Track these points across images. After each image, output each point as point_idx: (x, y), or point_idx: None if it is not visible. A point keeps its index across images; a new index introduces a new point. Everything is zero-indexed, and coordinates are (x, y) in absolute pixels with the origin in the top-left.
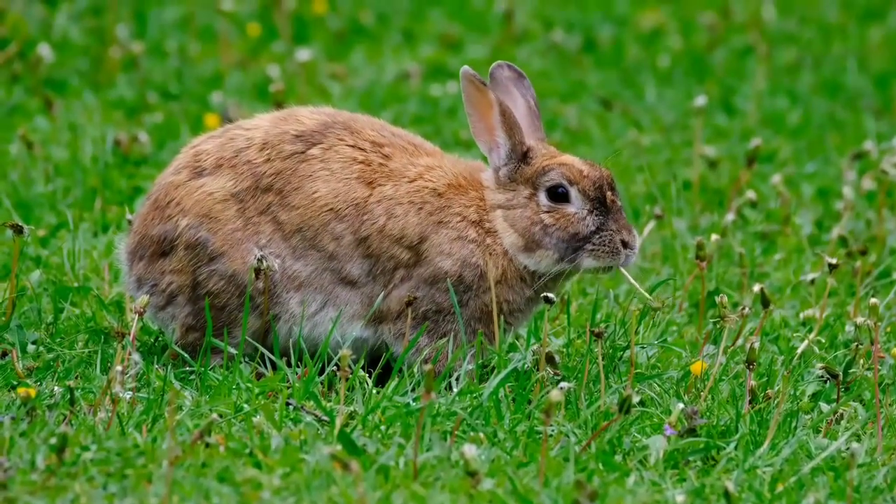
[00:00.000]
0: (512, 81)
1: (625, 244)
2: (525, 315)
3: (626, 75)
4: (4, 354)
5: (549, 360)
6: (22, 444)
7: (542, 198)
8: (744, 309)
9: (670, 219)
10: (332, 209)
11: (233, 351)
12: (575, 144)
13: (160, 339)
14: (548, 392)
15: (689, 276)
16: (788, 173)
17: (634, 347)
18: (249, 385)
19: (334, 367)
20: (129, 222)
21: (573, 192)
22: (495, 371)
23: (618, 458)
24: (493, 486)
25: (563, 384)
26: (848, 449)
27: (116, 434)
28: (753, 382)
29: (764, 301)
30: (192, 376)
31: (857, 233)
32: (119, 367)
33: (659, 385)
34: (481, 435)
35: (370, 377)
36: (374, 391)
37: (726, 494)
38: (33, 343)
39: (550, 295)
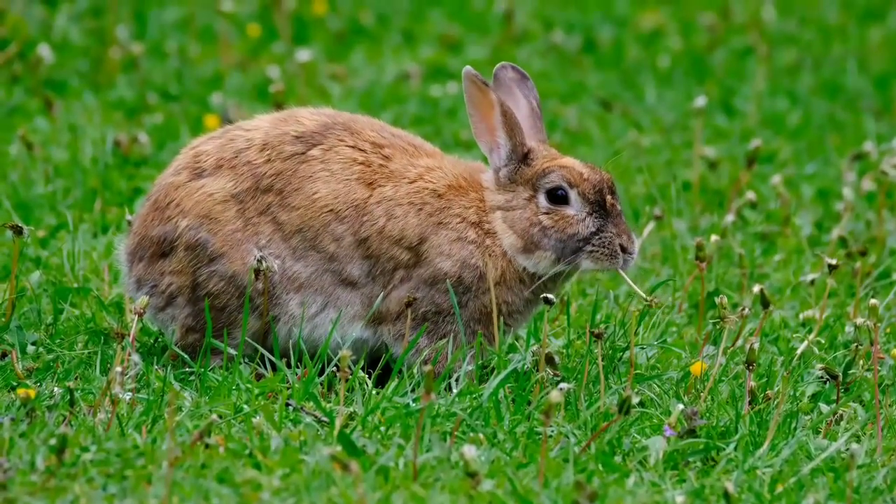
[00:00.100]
0: (515, 82)
1: (624, 249)
2: (524, 316)
3: (626, 76)
4: (4, 355)
5: (549, 360)
6: (22, 445)
7: (542, 199)
8: (743, 310)
9: (670, 220)
10: (332, 210)
11: (232, 352)
12: (575, 145)
13: (160, 340)
14: (547, 393)
15: (688, 276)
16: (788, 174)
17: (634, 348)
18: (249, 386)
19: (334, 368)
20: (129, 223)
21: (573, 195)
22: (495, 372)
23: (617, 458)
24: (493, 486)
25: (563, 385)
26: (847, 450)
27: (116, 435)
28: (753, 383)
29: (764, 302)
30: (192, 377)
31: (856, 234)
32: (119, 368)
33: (658, 386)
34: (481, 436)
35: (370, 378)
36: (374, 392)
37: (726, 495)
38: (33, 344)
39: (550, 296)
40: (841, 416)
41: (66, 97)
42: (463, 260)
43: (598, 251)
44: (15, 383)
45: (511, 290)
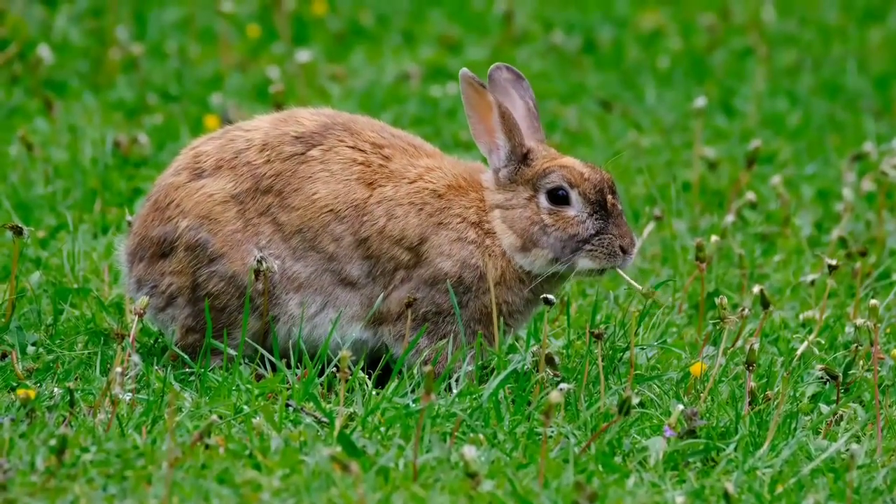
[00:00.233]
0: (510, 83)
1: (623, 250)
2: (524, 316)
3: (626, 77)
4: (4, 356)
5: (549, 361)
6: (22, 446)
7: (543, 200)
8: (743, 310)
9: (670, 220)
10: (331, 210)
11: (232, 352)
12: (575, 146)
13: (160, 340)
14: (547, 393)
15: (688, 277)
16: (788, 175)
17: (634, 349)
18: (249, 386)
19: (334, 369)
20: (129, 224)
21: (573, 195)
22: (495, 372)
23: (617, 459)
24: (493, 487)
25: (563, 385)
26: (848, 450)
27: (116, 435)
28: (753, 384)
29: (763, 302)
30: (192, 378)
31: (856, 234)
32: (119, 369)
33: (658, 386)
34: (481, 436)
35: (370, 378)
36: (374, 392)
37: (726, 496)
38: (33, 344)
39: (550, 296)
40: (841, 416)
41: (66, 98)
42: (463, 260)
43: (597, 250)
44: (15, 384)
45: (511, 290)
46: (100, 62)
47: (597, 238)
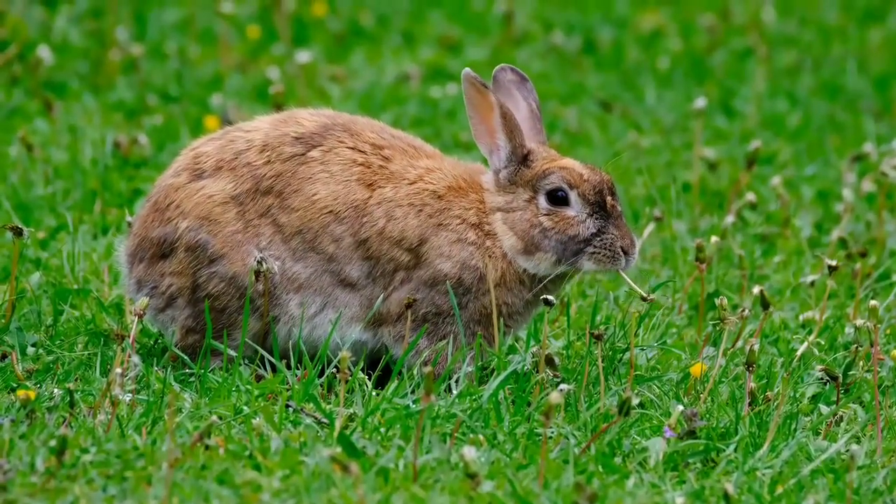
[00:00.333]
0: (514, 84)
1: (625, 251)
2: (524, 317)
3: (626, 77)
4: (4, 357)
5: (549, 362)
6: (22, 447)
7: (542, 201)
8: (743, 311)
9: (670, 221)
10: (331, 211)
11: (232, 353)
12: (575, 146)
13: (160, 341)
14: (547, 394)
15: (688, 278)
16: (788, 175)
17: (634, 349)
18: (249, 387)
19: (334, 370)
20: (129, 224)
21: (573, 196)
22: (495, 373)
23: (617, 460)
24: (493, 488)
25: (563, 386)
26: (848, 451)
27: (116, 436)
28: (753, 384)
29: (763, 303)
30: (192, 378)
31: (856, 235)
32: (119, 370)
33: (658, 387)
34: (481, 437)
35: (370, 379)
36: (374, 393)
37: (726, 496)
38: (33, 345)
39: (550, 297)
40: (841, 417)
41: (66, 98)
42: (463, 261)
43: (599, 252)
44: (15, 385)
45: (511, 291)
46: (100, 63)
47: (598, 238)
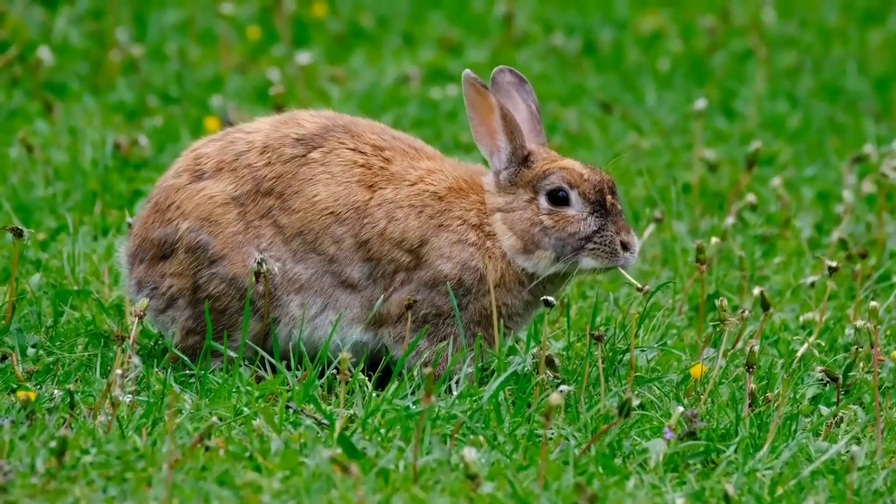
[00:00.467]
0: (513, 86)
1: (625, 246)
2: (524, 319)
3: (626, 79)
4: (4, 358)
5: (549, 363)
6: (22, 448)
7: (543, 201)
8: (744, 312)
9: (670, 222)
10: (332, 212)
11: (233, 354)
12: (575, 148)
13: (160, 342)
14: (547, 395)
15: (689, 279)
16: (788, 177)
17: (634, 351)
18: (249, 388)
19: (334, 371)
20: (130, 226)
21: (573, 196)
22: (495, 374)
23: (617, 461)
24: (493, 489)
25: (563, 387)
26: (848, 452)
27: (116, 437)
28: (753, 386)
29: (764, 304)
30: (192, 380)
31: (856, 236)
32: (119, 371)
33: (659, 388)
34: (481, 438)
35: (370, 380)
36: (374, 394)
37: (726, 498)
38: (33, 346)
39: (550, 298)
40: (841, 418)
41: (66, 100)
42: (463, 262)
43: (598, 249)
44: (15, 386)
45: (511, 292)
46: (100, 64)
47: (598, 236)
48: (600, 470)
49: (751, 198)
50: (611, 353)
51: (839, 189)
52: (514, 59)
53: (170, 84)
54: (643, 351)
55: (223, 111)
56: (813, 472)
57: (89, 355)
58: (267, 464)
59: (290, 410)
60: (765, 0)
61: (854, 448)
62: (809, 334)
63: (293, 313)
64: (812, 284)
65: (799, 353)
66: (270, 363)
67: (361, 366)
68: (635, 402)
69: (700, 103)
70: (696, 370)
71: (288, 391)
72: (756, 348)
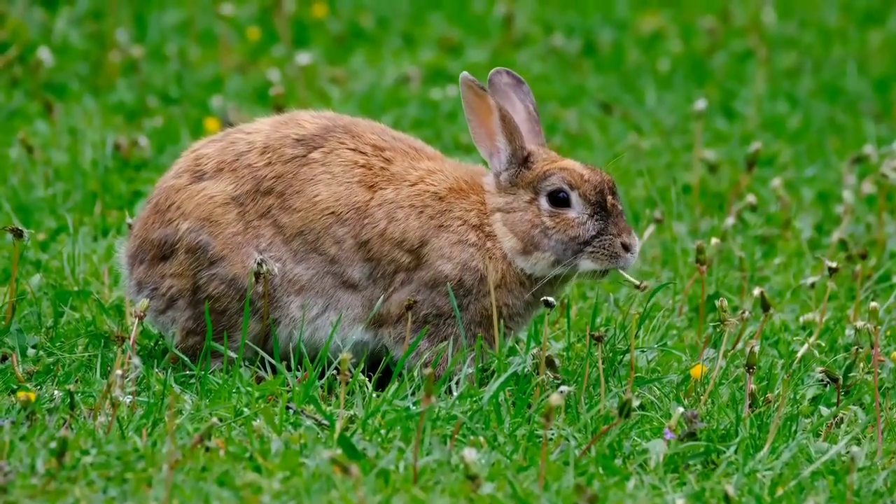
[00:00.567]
0: (511, 87)
1: (625, 247)
2: (525, 319)
3: (626, 79)
4: (4, 358)
5: (549, 363)
6: (22, 448)
7: (543, 202)
8: (744, 313)
9: (670, 222)
10: (333, 213)
11: (233, 355)
12: (575, 148)
13: (160, 342)
14: (548, 396)
15: (689, 279)
16: (788, 177)
17: (634, 351)
18: (249, 389)
19: (334, 371)
20: (130, 226)
21: (574, 197)
22: (495, 375)
23: (618, 461)
24: (493, 489)
25: (563, 388)
26: (848, 453)
27: (116, 438)
28: (753, 386)
29: (764, 305)
30: (192, 380)
31: (857, 236)
32: (119, 371)
33: (659, 389)
34: (481, 439)
35: (370, 381)
36: (374, 395)
37: (726, 498)
38: (33, 347)
39: (550, 299)
40: (841, 419)
41: (67, 100)
42: (464, 263)
43: (599, 252)
44: (15, 386)
45: (511, 292)
46: (100, 65)
47: (598, 239)
48: (600, 471)
49: (751, 198)
50: (611, 354)
51: (839, 190)
52: (514, 59)
53: (170, 85)
54: (643, 351)
55: (223, 112)
56: (813, 473)
57: (89, 356)
58: (267, 464)
59: (291, 411)
60: (765, 0)
61: (854, 449)
62: (809, 335)
63: (293, 314)
64: (812, 285)
65: (799, 354)
66: (270, 364)
67: (362, 366)
68: (635, 403)
69: (700, 104)
70: (697, 371)
71: (288, 392)
72: (756, 349)
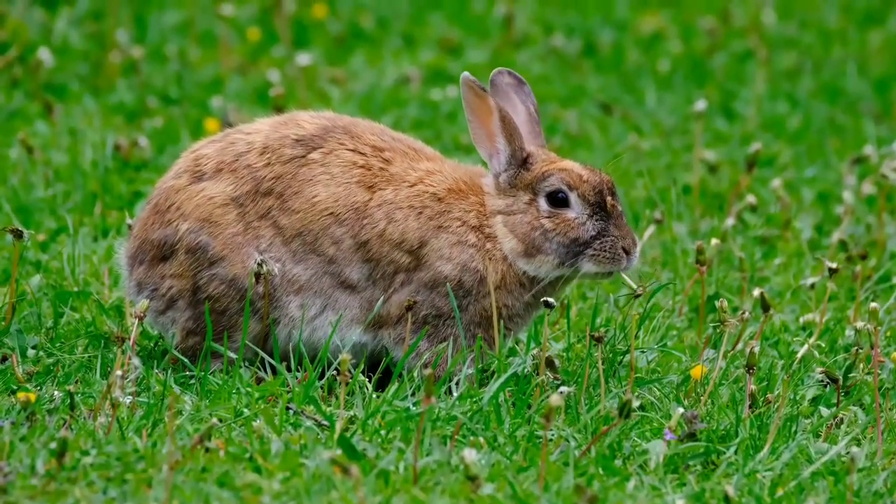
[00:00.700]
0: (512, 88)
1: (626, 251)
2: (524, 320)
3: (626, 80)
4: (4, 359)
5: (549, 364)
6: (22, 449)
7: (542, 203)
8: (744, 313)
9: (670, 223)
10: (332, 213)
11: (233, 355)
12: (575, 149)
13: (160, 343)
14: (548, 396)
15: (689, 280)
16: (788, 178)
17: (634, 352)
18: (249, 389)
19: (334, 372)
20: (130, 227)
21: (573, 197)
22: (495, 375)
23: (618, 462)
24: (493, 490)
25: (563, 388)
26: (848, 453)
27: (116, 438)
28: (753, 387)
29: (764, 305)
30: (192, 381)
31: (857, 237)
32: (119, 372)
33: (659, 389)
34: (481, 439)
35: (370, 381)
36: (374, 395)
37: (726, 499)
38: (33, 348)
39: (550, 300)
40: (841, 419)
41: (67, 101)
42: (463, 263)
43: (600, 254)
44: (15, 387)
45: (511, 293)
46: (100, 65)
47: (598, 241)
48: (600, 471)
49: (751, 199)
50: (611, 355)
51: (839, 190)
52: (514, 60)
53: (170, 85)
54: (643, 352)
55: (223, 112)
56: (813, 474)
57: (89, 356)
58: (267, 465)
59: (291, 412)
60: (765, 1)
61: (854, 449)
62: (809, 335)
63: (293, 314)
64: (812, 286)
65: (799, 355)
66: (270, 364)
67: (361, 367)
68: (635, 404)
69: (700, 104)
70: (697, 371)
71: (288, 392)
72: (756, 349)
